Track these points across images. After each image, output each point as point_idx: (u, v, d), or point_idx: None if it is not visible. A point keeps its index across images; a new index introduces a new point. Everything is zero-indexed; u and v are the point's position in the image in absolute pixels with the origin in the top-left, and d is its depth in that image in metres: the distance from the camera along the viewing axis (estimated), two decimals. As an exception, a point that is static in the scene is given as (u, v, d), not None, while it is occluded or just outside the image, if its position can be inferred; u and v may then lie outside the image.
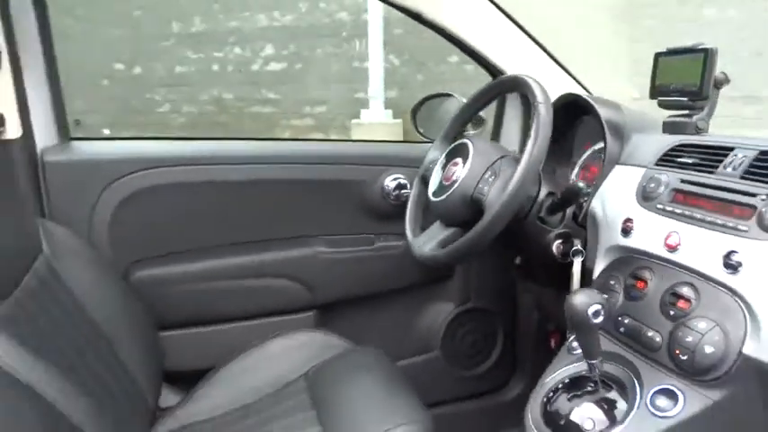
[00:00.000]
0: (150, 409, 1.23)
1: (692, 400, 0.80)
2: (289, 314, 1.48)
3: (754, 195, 0.83)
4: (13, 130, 1.18)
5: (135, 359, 1.20)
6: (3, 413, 0.79)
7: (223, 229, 1.45)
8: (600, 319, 0.85)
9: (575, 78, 1.45)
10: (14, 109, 1.17)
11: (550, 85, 1.11)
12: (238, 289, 1.45)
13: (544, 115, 1.01)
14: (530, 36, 1.44)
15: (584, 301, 0.85)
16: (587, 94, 1.29)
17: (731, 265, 0.81)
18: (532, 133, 1.01)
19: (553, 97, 1.10)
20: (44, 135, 1.28)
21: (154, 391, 1.26)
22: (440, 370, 1.62)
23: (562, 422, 0.91)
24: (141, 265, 1.39)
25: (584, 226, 1.13)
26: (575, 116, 1.30)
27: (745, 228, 0.82)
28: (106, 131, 6.13)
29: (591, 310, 0.84)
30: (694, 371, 0.81)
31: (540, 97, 1.04)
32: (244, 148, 1.53)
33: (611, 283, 0.99)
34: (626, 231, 0.99)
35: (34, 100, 1.24)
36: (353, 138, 5.92)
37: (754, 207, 0.82)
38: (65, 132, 1.35)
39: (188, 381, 1.35)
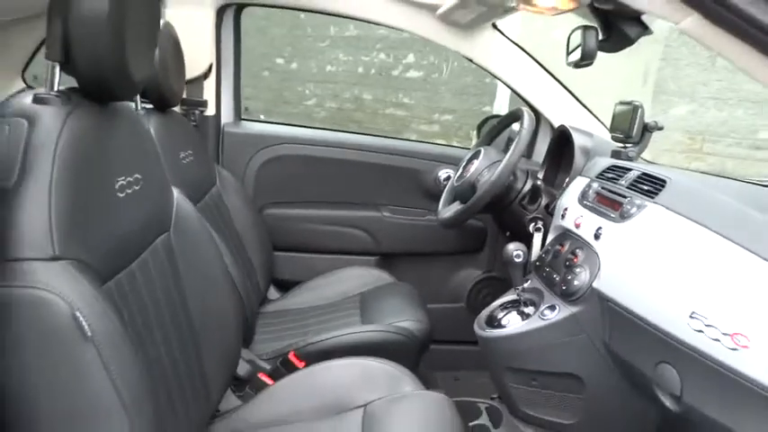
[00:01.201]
0: (262, 295, 1.94)
1: (563, 311, 1.35)
2: (360, 255, 2.15)
3: (624, 196, 1.35)
4: (211, 110, 1.96)
5: (258, 262, 1.91)
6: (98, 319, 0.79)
7: (327, 190, 2.15)
8: (520, 259, 1.43)
9: (588, 110, 1.97)
10: (213, 98, 1.95)
11: (567, 117, 1.67)
12: (330, 232, 2.15)
13: (523, 137, 1.59)
14: (559, 81, 1.98)
15: (511, 248, 1.43)
16: (571, 125, 1.81)
17: (598, 236, 1.34)
18: (513, 146, 1.59)
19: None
20: (226, 115, 2.06)
21: (266, 286, 1.98)
22: (464, 318, 2.20)
23: (495, 323, 1.49)
24: (270, 206, 2.14)
25: (552, 214, 1.68)
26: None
27: (613, 215, 1.34)
28: (262, 117, 7.21)
29: (514, 254, 1.42)
30: (567, 295, 1.35)
31: (525, 125, 1.61)
32: (349, 138, 2.21)
33: (549, 248, 1.54)
34: (563, 216, 1.54)
35: (223, 93, 2.02)
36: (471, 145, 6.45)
37: (621, 204, 1.34)
38: (238, 114, 2.12)
39: (287, 286, 2.07)
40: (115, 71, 0.84)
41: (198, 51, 1.83)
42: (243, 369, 1.47)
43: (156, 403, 0.86)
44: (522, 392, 1.43)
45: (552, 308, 1.38)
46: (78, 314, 0.72)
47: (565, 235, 1.52)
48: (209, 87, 1.94)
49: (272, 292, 2.09)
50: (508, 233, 1.80)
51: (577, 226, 1.45)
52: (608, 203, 1.40)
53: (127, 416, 0.75)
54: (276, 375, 1.47)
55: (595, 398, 1.36)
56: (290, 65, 8.51)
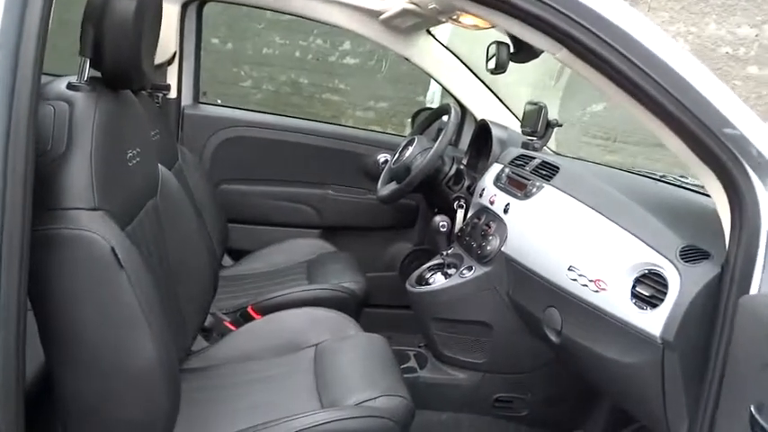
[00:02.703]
0: (217, 261, 2.17)
1: (478, 271, 1.68)
2: (306, 228, 2.42)
3: (528, 179, 1.68)
4: (173, 94, 2.16)
5: (214, 231, 2.14)
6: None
7: (278, 170, 2.39)
8: (445, 229, 1.75)
9: (506, 106, 2.31)
10: (175, 83, 2.15)
11: (488, 112, 1.99)
12: (280, 207, 2.40)
13: (450, 128, 1.90)
14: (481, 80, 2.30)
15: (437, 220, 1.75)
16: (490, 120, 2.13)
17: (507, 210, 1.67)
18: (441, 136, 1.89)
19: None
20: (186, 98, 2.26)
21: (220, 254, 2.21)
22: (397, 285, 2.49)
23: (423, 281, 1.80)
24: (226, 182, 2.36)
25: (472, 194, 2.00)
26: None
27: (518, 194, 1.67)
28: (219, 101, 7.28)
29: (440, 224, 1.74)
30: (482, 258, 1.68)
31: (452, 118, 1.92)
32: (299, 124, 2.46)
33: (469, 221, 1.86)
34: (481, 195, 1.86)
35: (184, 78, 2.22)
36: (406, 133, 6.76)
37: (525, 185, 1.67)
38: (197, 98, 2.33)
39: (239, 254, 2.31)
40: (133, 66, 1.06)
41: (164, 40, 2.02)
42: (208, 320, 1.71)
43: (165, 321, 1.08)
44: (444, 338, 1.75)
45: (470, 268, 1.70)
46: (115, 249, 0.95)
47: (482, 210, 1.84)
48: (171, 73, 2.13)
49: (226, 260, 2.32)
50: (436, 209, 2.11)
51: (492, 203, 1.77)
52: (516, 185, 1.73)
53: (147, 324, 0.99)
54: (237, 325, 1.72)
55: (501, 339, 1.69)
56: (225, 45, 8.53)
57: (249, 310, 1.79)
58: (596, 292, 1.28)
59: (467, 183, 2.03)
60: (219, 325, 1.70)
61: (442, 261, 1.82)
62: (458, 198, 1.99)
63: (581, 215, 1.41)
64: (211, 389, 1.36)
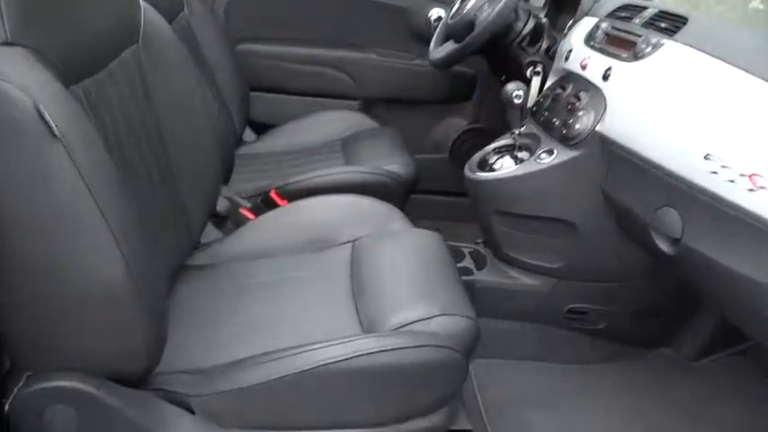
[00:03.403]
0: (237, 136, 1.83)
1: (561, 155, 1.30)
2: (341, 98, 2.03)
3: (638, 35, 1.25)
4: None
5: (231, 101, 1.78)
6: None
7: (308, 27, 1.98)
8: (520, 100, 1.35)
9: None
10: None
11: None
12: (310, 73, 2.01)
13: None
14: None
15: (510, 88, 1.35)
16: None
17: (606, 77, 1.26)
18: None
19: None
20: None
21: (241, 125, 1.86)
22: (446, 169, 2.14)
23: (486, 167, 1.44)
24: (245, 42, 1.96)
25: (553, 58, 1.57)
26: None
27: (624, 55, 1.25)
28: None
29: (514, 94, 1.34)
30: (567, 139, 1.29)
31: None
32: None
33: (549, 92, 1.46)
34: (566, 59, 1.44)
35: None
36: None
37: (634, 43, 1.24)
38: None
39: (262, 129, 1.96)
40: None
41: None
42: (222, 205, 1.40)
43: (140, 222, 0.78)
44: (510, 236, 1.42)
45: (550, 152, 1.32)
46: (42, 108, 0.61)
47: (567, 78, 1.43)
48: None
49: (248, 134, 1.98)
50: (503, 77, 1.70)
51: (584, 67, 1.35)
52: (619, 43, 1.30)
53: (105, 224, 0.68)
54: (257, 212, 1.42)
55: (584, 244, 1.35)
56: None
57: (272, 194, 1.47)
58: (751, 191, 0.90)
59: (545, 43, 1.59)
60: (236, 212, 1.39)
61: (511, 142, 1.44)
62: (533, 63, 1.57)
63: (725, 79, 1.00)
64: (217, 294, 1.08)
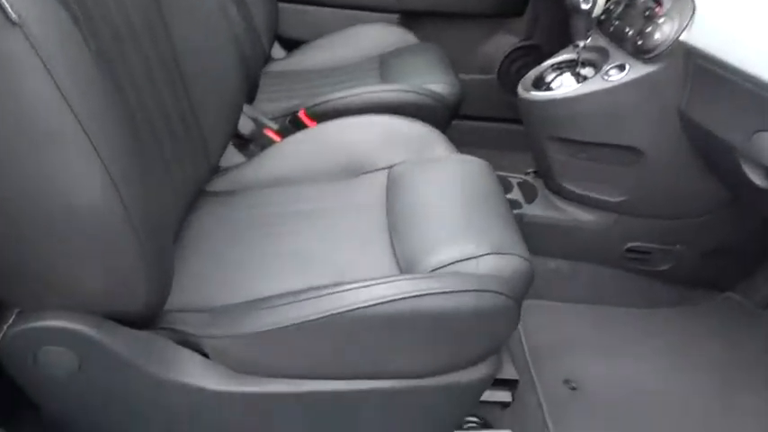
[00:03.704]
0: (265, 54, 1.68)
1: (634, 71, 1.11)
2: (378, 11, 1.83)
3: None
4: None
5: (257, 16, 1.61)
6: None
7: None
8: (588, 5, 1.15)
9: None
10: None
11: None
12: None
13: None
14: None
15: (579, -11, 1.14)
16: None
17: (697, -26, 1.04)
18: None
19: None
20: None
21: (269, 44, 1.70)
22: (493, 92, 1.95)
23: (543, 85, 1.25)
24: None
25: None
26: None
27: (720, -54, 1.03)
28: None
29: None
30: (643, 51, 1.09)
31: None
32: None
33: (620, -3, 1.24)
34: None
35: None
36: None
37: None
38: None
39: (292, 45, 1.79)
40: None
41: None
42: (246, 127, 1.27)
43: (135, 139, 0.65)
44: (566, 165, 1.25)
45: (621, 68, 1.13)
46: None
47: (644, -21, 1.21)
48: None
49: (277, 51, 1.82)
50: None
51: (667, -35, 1.14)
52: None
53: (85, 136, 0.55)
54: (284, 134, 1.28)
55: (653, 175, 1.18)
56: None
57: (301, 115, 1.33)
58: None
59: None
60: (260, 134, 1.26)
61: (574, 56, 1.25)
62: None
63: None
64: (237, 224, 0.96)
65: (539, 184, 1.37)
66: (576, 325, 1.29)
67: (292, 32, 1.85)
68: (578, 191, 1.27)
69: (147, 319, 0.73)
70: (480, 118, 1.95)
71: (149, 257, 0.64)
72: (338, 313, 0.69)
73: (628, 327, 1.31)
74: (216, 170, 1.09)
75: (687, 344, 1.28)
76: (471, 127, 1.93)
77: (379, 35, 1.74)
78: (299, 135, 1.13)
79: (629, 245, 1.29)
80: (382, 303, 0.69)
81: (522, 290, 0.82)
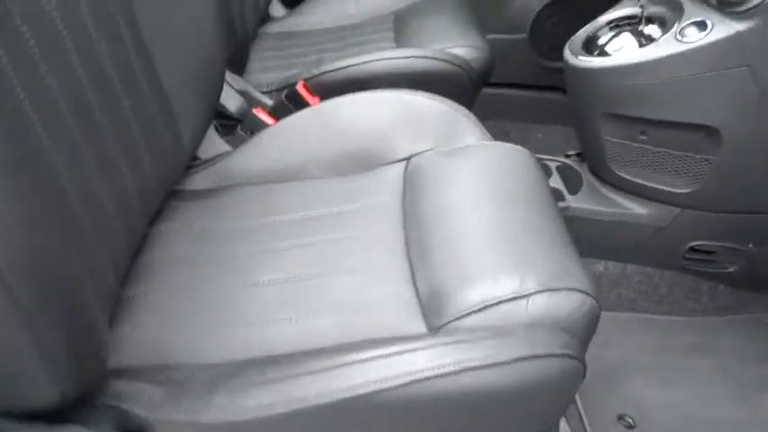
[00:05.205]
0: (261, 10, 1.44)
1: (718, 30, 0.87)
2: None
3: None
4: None
5: None
6: None
7: None
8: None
9: None
10: None
11: None
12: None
13: None
14: None
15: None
16: None
17: None
18: None
19: None
20: None
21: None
22: (523, 54, 1.70)
23: (596, 49, 1.02)
24: None
25: None
26: None
27: None
28: None
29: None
30: (731, 3, 0.86)
31: None
32: None
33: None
34: None
35: None
36: None
37: None
38: None
39: (291, 2, 1.55)
40: None
41: None
42: (233, 103, 1.06)
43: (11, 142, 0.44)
44: (622, 149, 1.03)
45: (701, 25, 0.89)
46: None
47: None
48: None
49: (276, 8, 1.58)
50: None
51: None
52: None
53: None
54: (280, 113, 1.06)
55: (731, 161, 0.96)
56: None
57: (299, 87, 1.10)
58: None
59: None
60: (249, 115, 1.04)
61: (636, 11, 1.01)
62: None
63: None
64: (214, 240, 0.75)
65: (583, 169, 1.15)
66: (629, 341, 1.08)
67: (294, -14, 1.61)
68: (635, 180, 1.05)
69: (75, 402, 0.53)
70: (508, 84, 1.71)
71: (46, 339, 0.44)
72: (352, 397, 0.49)
73: (689, 340, 1.10)
74: (192, 162, 0.88)
75: (760, 357, 1.08)
76: (498, 95, 1.70)
77: (393, -11, 1.49)
78: (296, 117, 0.91)
79: (693, 243, 1.08)
80: (414, 383, 0.49)
81: (586, 336, 0.61)
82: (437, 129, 0.87)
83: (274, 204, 0.81)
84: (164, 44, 0.73)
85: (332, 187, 0.83)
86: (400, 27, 1.35)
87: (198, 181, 0.87)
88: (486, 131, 0.89)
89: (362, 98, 0.90)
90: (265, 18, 1.50)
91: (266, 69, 1.26)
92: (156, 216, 0.79)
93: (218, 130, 1.00)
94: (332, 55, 1.28)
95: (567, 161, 1.18)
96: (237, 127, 1.02)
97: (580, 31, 1.06)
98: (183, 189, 0.85)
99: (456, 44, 1.20)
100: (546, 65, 1.74)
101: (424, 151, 0.84)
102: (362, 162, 0.86)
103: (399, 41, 1.30)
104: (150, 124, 0.71)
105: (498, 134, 1.81)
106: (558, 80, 1.77)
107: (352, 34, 1.37)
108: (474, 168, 0.80)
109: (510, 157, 0.82)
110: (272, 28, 1.47)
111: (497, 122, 1.72)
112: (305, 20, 1.48)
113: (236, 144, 0.95)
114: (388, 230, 0.74)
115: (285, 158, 0.88)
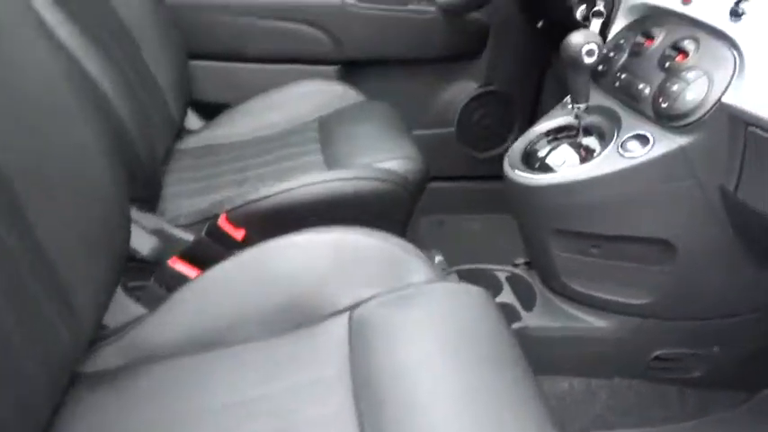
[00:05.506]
0: (176, 125, 1.35)
1: (660, 144, 0.84)
2: (314, 64, 1.53)
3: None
4: None
5: (164, 76, 1.29)
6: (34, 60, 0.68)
7: None
8: (593, 59, 0.87)
9: None
10: None
11: None
12: (271, 30, 1.49)
13: None
14: None
15: (579, 39, 0.86)
16: None
17: (736, 13, 0.79)
18: None
19: None
20: None
21: (180, 111, 1.37)
22: (451, 147, 1.68)
23: (537, 163, 0.97)
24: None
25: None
26: None
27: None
28: None
29: (585, 49, 0.86)
30: (671, 117, 0.83)
31: None
32: None
33: (621, 42, 0.98)
34: (649, -12, 0.96)
35: None
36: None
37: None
38: None
39: (211, 112, 1.46)
40: None
41: None
42: (146, 246, 0.93)
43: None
44: (575, 262, 0.97)
45: (642, 139, 0.86)
46: None
47: (653, 18, 0.95)
48: None
49: (192, 120, 1.48)
50: (540, 23, 1.21)
51: (687, 1, 0.88)
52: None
53: None
54: (200, 252, 0.95)
55: (689, 271, 0.91)
56: None
57: (222, 222, 0.99)
58: None
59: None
60: (167, 268, 0.90)
61: (573, 123, 0.97)
62: (587, 1, 1.09)
63: None
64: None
65: (534, 279, 1.08)
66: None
67: (209, 95, 1.52)
68: (591, 293, 0.99)
69: None
70: (440, 178, 1.66)
71: None
72: None
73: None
74: (100, 333, 0.75)
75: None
76: (430, 189, 1.64)
77: (316, 93, 1.43)
78: (220, 268, 0.79)
79: (658, 352, 1.02)
80: None
81: None
82: (380, 271, 0.78)
83: (201, 385, 0.68)
84: (41, 205, 0.62)
85: (266, 355, 0.71)
86: (326, 135, 1.28)
87: (105, 359, 0.73)
88: (433, 266, 0.81)
89: (294, 242, 0.80)
90: (181, 132, 1.40)
91: (183, 195, 1.15)
92: (60, 407, 0.65)
93: (125, 291, 0.86)
94: (256, 174, 1.19)
95: (517, 271, 1.12)
96: (151, 279, 0.89)
97: (517, 142, 1.01)
98: (86, 372, 0.71)
99: (388, 156, 1.13)
100: (476, 156, 1.72)
101: (368, 299, 0.74)
102: (300, 317, 0.75)
103: (326, 152, 1.22)
104: (29, 306, 0.58)
105: (433, 227, 1.77)
106: (489, 169, 1.77)
107: (277, 146, 1.29)
108: (427, 320, 0.71)
109: (465, 302, 0.73)
110: (189, 143, 1.37)
111: (432, 216, 1.67)
112: (224, 132, 1.39)
113: (150, 302, 0.82)
114: (337, 411, 0.63)
115: (209, 321, 0.76)
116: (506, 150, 1.67)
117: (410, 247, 0.81)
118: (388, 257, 0.79)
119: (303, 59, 1.52)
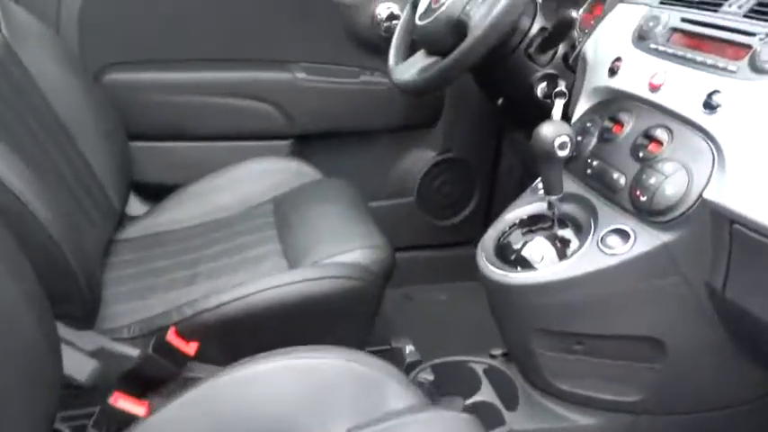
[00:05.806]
0: (117, 213, 1.24)
1: (642, 241, 0.79)
2: (265, 140, 1.45)
3: (753, 35, 0.76)
4: None
5: (102, 163, 1.19)
6: None
7: (202, 41, 1.38)
8: (566, 152, 0.83)
9: None
10: None
11: None
12: (214, 107, 1.41)
13: None
14: None
15: (551, 132, 0.82)
16: None
17: (710, 105, 0.76)
18: None
19: None
20: None
21: (121, 198, 1.27)
22: (412, 216, 1.62)
23: (513, 256, 0.91)
24: (114, 69, 1.34)
25: (573, 70, 1.07)
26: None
27: (734, 68, 0.76)
28: None
29: (557, 142, 0.82)
30: (651, 212, 0.79)
31: None
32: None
33: (588, 125, 0.95)
34: (613, 71, 0.93)
35: None
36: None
37: (749, 47, 0.76)
38: None
39: (156, 194, 1.36)
40: None
41: None
42: (83, 369, 0.81)
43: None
44: (559, 361, 0.91)
45: (623, 234, 0.81)
46: None
47: (617, 103, 0.92)
48: None
49: (135, 206, 1.37)
50: (500, 100, 1.18)
51: (655, 88, 0.85)
52: (711, 47, 0.81)
53: None
54: (146, 376, 0.84)
55: (679, 367, 0.86)
56: None
57: (171, 336, 0.89)
58: None
59: (561, 49, 1.08)
60: (109, 409, 0.78)
61: (546, 213, 0.92)
62: (550, 78, 1.06)
63: None
64: None
65: (513, 372, 1.02)
66: None
67: (152, 177, 1.42)
68: (578, 391, 0.92)
69: None
70: (402, 248, 1.60)
71: None
72: None
73: None
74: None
75: None
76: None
77: (269, 171, 1.35)
78: (172, 408, 0.69)
79: None
80: None
81: None
82: (354, 399, 0.70)
83: None
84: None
85: None
86: (282, 220, 1.20)
87: None
88: (414, 388, 0.73)
89: (255, 373, 0.71)
90: (123, 219, 1.29)
91: (124, 298, 1.04)
92: None
93: (65, 421, 0.75)
94: (207, 269, 1.09)
95: (495, 363, 1.05)
96: (95, 411, 0.77)
97: (487, 236, 0.95)
98: None
99: (352, 247, 1.06)
100: (437, 224, 1.68)
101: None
102: None
103: (284, 241, 1.14)
104: None
105: (400, 300, 1.69)
106: (452, 236, 1.72)
107: (230, 234, 1.20)
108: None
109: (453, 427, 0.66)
110: (131, 232, 1.26)
111: (397, 289, 1.60)
112: (171, 217, 1.29)
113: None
114: None
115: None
116: (468, 216, 1.68)
117: (388, 367, 0.73)
118: (363, 382, 0.71)
119: (253, 135, 1.45)
